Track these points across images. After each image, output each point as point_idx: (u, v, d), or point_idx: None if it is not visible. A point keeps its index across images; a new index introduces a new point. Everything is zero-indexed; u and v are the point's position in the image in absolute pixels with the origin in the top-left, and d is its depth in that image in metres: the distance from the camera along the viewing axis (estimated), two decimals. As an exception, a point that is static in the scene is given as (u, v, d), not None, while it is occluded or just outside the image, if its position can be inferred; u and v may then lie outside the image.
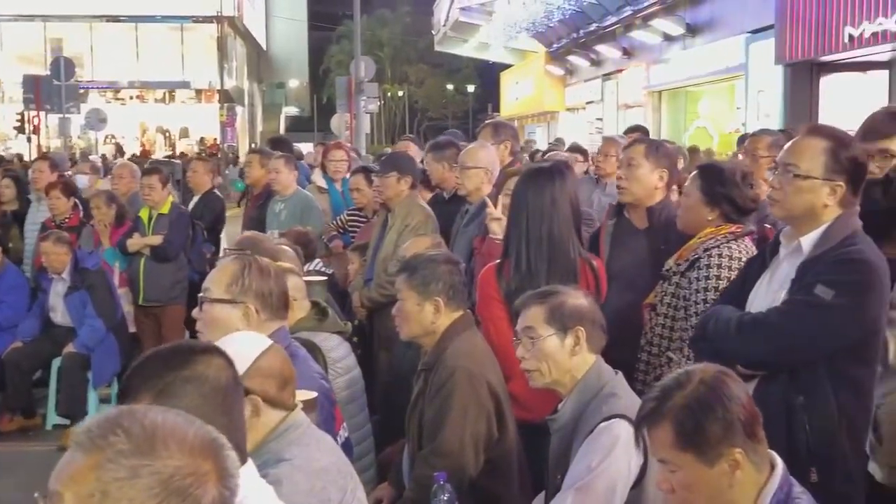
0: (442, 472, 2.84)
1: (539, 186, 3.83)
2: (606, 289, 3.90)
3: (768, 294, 2.97)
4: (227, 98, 37.35)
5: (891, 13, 11.00)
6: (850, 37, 11.85)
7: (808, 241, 2.88)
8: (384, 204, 5.60)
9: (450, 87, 63.75)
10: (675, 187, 4.59)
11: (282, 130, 45.19)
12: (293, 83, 54.30)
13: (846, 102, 12.55)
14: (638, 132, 8.53)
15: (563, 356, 2.92)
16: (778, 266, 3.00)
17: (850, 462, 2.83)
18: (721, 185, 3.64)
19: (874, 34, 11.40)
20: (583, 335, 2.91)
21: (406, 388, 3.64)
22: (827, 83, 13.47)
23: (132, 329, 7.11)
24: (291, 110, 55.93)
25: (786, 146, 3.01)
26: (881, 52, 12.12)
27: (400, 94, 62.34)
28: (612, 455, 2.71)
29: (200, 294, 2.94)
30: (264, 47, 50.95)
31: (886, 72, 12.73)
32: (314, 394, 2.66)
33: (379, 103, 27.61)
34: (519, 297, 3.39)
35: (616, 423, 2.73)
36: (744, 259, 3.48)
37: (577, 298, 2.99)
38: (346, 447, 2.99)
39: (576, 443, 2.83)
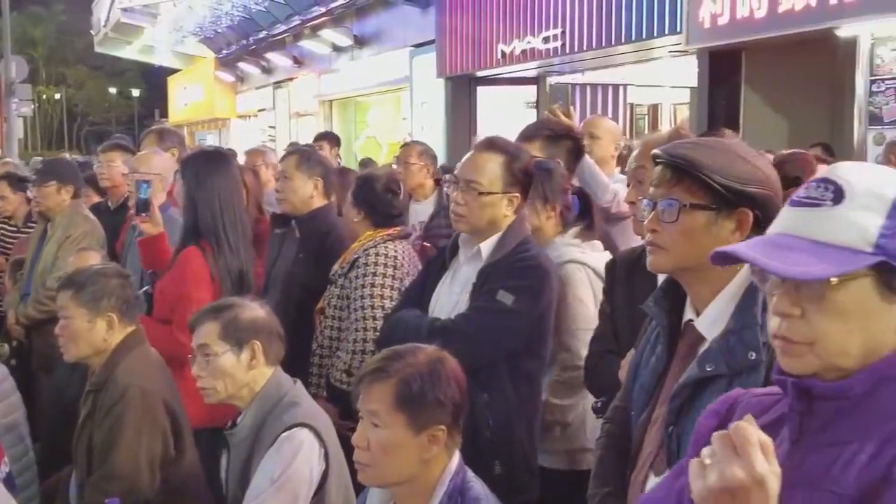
0: (114, 498, 2.70)
1: (224, 167, 3.96)
2: (270, 297, 3.99)
3: (451, 296, 3.15)
4: None
5: (538, 33, 11.96)
6: (503, 53, 12.74)
7: (486, 247, 3.09)
8: (42, 213, 5.25)
9: (113, 90, 60.62)
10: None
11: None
12: (-71, 82, 48.95)
13: (501, 114, 13.49)
14: (325, 139, 8.69)
15: (240, 371, 2.87)
16: (458, 269, 3.19)
17: (527, 452, 3.06)
18: (365, 192, 3.95)
19: (524, 51, 12.34)
20: (259, 348, 2.88)
21: (71, 412, 3.43)
22: (483, 96, 14.36)
23: None
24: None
25: (463, 161, 3.18)
26: (530, 69, 13.15)
27: (57, 96, 58.33)
28: (295, 463, 2.71)
29: None
30: None
31: (535, 86, 13.83)
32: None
33: (33, 106, 25.62)
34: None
35: (297, 432, 2.75)
36: (399, 258, 3.78)
37: (253, 311, 2.95)
38: (8, 481, 2.77)
39: (256, 455, 2.80)
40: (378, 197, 3.94)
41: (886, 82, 7.26)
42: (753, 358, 1.83)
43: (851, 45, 7.53)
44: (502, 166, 3.06)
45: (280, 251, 4.31)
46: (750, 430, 1.21)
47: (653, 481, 1.96)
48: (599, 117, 5.60)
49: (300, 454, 2.72)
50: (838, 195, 1.30)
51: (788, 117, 8.81)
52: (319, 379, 3.82)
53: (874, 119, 7.24)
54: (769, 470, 1.19)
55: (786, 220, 1.35)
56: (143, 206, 4.01)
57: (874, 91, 7.36)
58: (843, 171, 1.33)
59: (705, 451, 1.24)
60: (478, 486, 2.31)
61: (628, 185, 2.97)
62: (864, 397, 1.28)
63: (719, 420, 1.49)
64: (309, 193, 4.19)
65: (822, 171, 1.37)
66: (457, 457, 2.32)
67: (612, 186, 4.13)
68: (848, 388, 1.29)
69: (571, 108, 4.34)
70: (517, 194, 3.08)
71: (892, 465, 1.24)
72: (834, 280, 1.26)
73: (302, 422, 2.77)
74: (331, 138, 8.94)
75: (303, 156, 4.30)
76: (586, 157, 4.16)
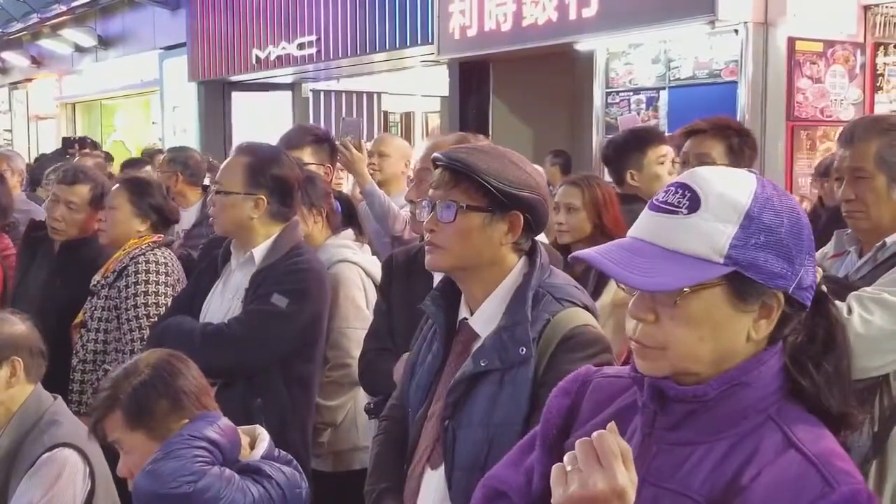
0: None
1: None
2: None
3: (223, 302, 3.11)
4: None
5: (293, 39, 11.92)
6: (258, 59, 12.60)
7: (259, 252, 3.08)
8: None
9: None
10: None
11: None
12: None
13: (256, 119, 13.34)
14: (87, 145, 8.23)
15: None
16: (230, 275, 3.15)
17: (300, 456, 3.05)
18: (151, 197, 3.80)
19: (279, 57, 12.25)
20: (20, 365, 2.74)
21: None
22: (238, 101, 14.12)
23: None
24: None
25: (222, 166, 3.17)
26: (286, 75, 13.07)
27: None
28: (57, 486, 2.58)
29: None
30: None
31: (290, 92, 13.77)
32: None
33: None
34: None
35: (59, 452, 2.62)
36: (169, 265, 3.68)
37: (13, 325, 2.80)
38: None
39: (14, 479, 2.65)
40: (163, 203, 3.85)
41: (620, 94, 7.80)
42: (524, 353, 1.95)
43: (589, 58, 8.02)
44: (245, 168, 3.06)
45: (34, 259, 4.08)
46: (612, 440, 1.22)
47: (429, 474, 2.05)
48: (389, 136, 5.79)
49: (63, 476, 2.60)
50: (694, 203, 1.29)
51: (533, 126, 9.30)
52: (81, 395, 3.65)
53: (610, 128, 7.75)
54: (629, 481, 1.21)
55: (644, 223, 1.34)
56: None
57: (609, 102, 7.88)
58: (701, 178, 1.32)
59: (568, 456, 1.25)
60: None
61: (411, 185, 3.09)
62: (716, 401, 1.30)
63: (571, 399, 1.53)
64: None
65: (683, 175, 1.36)
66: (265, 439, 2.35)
67: (403, 214, 4.21)
68: (702, 393, 1.30)
69: (362, 141, 4.45)
70: (262, 197, 3.06)
71: (741, 471, 1.26)
72: (686, 289, 1.26)
73: (64, 441, 2.65)
74: (92, 143, 8.50)
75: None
76: (375, 187, 4.27)
